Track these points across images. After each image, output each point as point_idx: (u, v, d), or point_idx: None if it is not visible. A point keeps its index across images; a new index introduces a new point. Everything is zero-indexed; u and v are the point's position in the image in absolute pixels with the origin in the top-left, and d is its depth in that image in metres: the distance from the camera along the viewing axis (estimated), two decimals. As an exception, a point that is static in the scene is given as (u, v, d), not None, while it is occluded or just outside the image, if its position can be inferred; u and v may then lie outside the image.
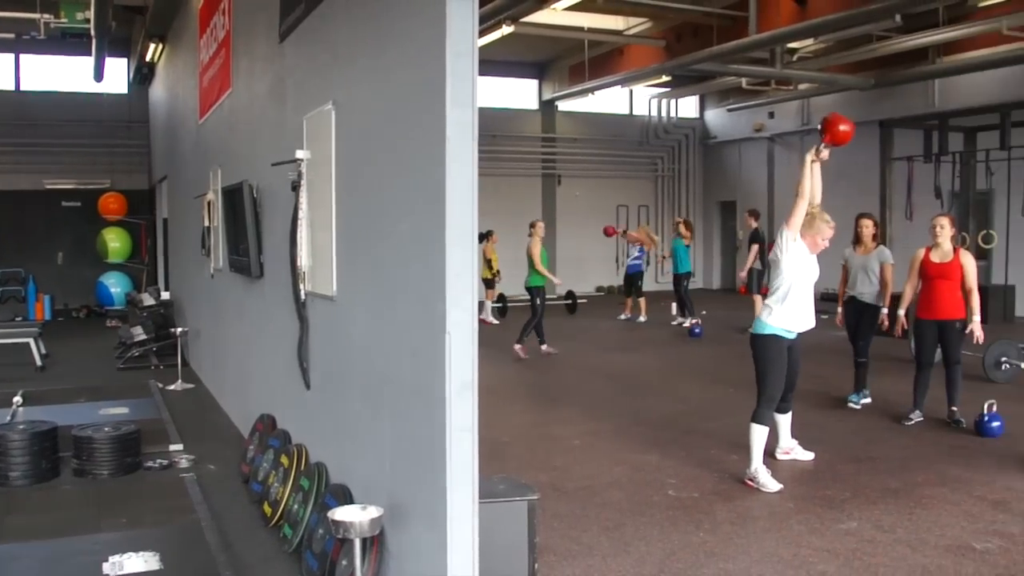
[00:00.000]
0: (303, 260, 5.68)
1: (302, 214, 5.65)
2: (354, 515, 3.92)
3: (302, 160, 5.59)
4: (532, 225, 13.50)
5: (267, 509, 5.85)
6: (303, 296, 5.75)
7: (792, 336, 6.55)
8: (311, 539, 4.89)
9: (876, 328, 8.96)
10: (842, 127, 6.67)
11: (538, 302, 12.99)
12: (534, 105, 24.07)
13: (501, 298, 18.14)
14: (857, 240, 9.14)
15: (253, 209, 7.11)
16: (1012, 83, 16.91)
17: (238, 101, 8.23)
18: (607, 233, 19.06)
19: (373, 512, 3.93)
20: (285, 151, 5.86)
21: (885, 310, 8.80)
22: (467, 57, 3.39)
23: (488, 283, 17.67)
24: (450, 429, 3.49)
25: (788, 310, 6.43)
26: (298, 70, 6.02)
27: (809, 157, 6.64)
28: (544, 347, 13.16)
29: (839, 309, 9.23)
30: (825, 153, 6.64)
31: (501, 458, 7.07)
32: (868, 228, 9.09)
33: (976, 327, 8.05)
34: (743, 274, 15.02)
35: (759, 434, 6.44)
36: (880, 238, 9.63)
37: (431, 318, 3.57)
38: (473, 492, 3.56)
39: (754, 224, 15.53)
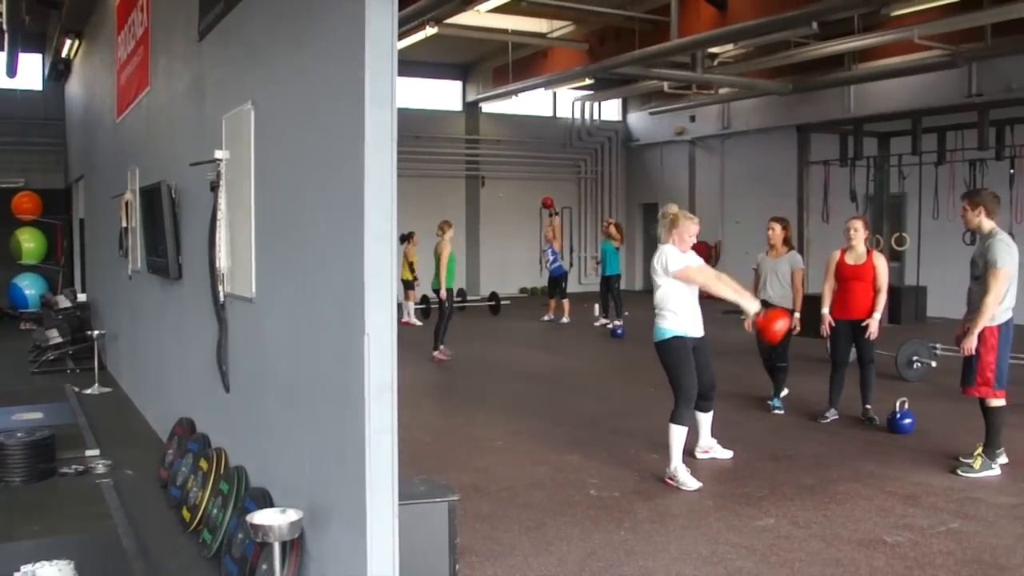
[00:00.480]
0: (222, 261, 5.61)
1: (221, 215, 5.58)
2: (273, 519, 3.89)
3: (221, 160, 5.51)
4: (443, 226, 13.28)
5: (186, 514, 5.77)
6: (222, 298, 5.67)
7: (695, 336, 6.68)
8: (231, 544, 4.84)
9: (792, 331, 8.99)
10: (777, 326, 7.08)
11: (447, 304, 12.93)
12: (458, 107, 24.09)
13: (424, 299, 18.09)
14: (768, 243, 9.14)
15: (171, 210, 7.01)
16: (923, 90, 17.40)
17: (156, 100, 8.10)
18: (545, 204, 19.05)
19: (292, 515, 3.91)
20: (204, 151, 5.78)
21: (797, 315, 8.79)
22: (386, 57, 3.38)
23: (409, 285, 17.62)
24: (369, 431, 3.47)
25: (680, 313, 6.58)
26: (217, 69, 5.94)
27: (748, 320, 6.97)
28: (436, 352, 12.97)
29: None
30: (748, 324, 7.08)
31: (423, 459, 7.06)
32: (777, 231, 9.05)
33: (873, 323, 8.24)
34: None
35: (678, 434, 6.52)
36: (797, 241, 9.78)
37: (350, 319, 3.56)
38: (393, 494, 3.56)
39: None
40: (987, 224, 6.84)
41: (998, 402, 6.79)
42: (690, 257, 6.72)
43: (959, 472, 6.71)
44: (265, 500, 4.73)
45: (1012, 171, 13.28)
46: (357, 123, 3.41)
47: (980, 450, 6.82)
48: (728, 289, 6.75)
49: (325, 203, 3.93)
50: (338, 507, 3.89)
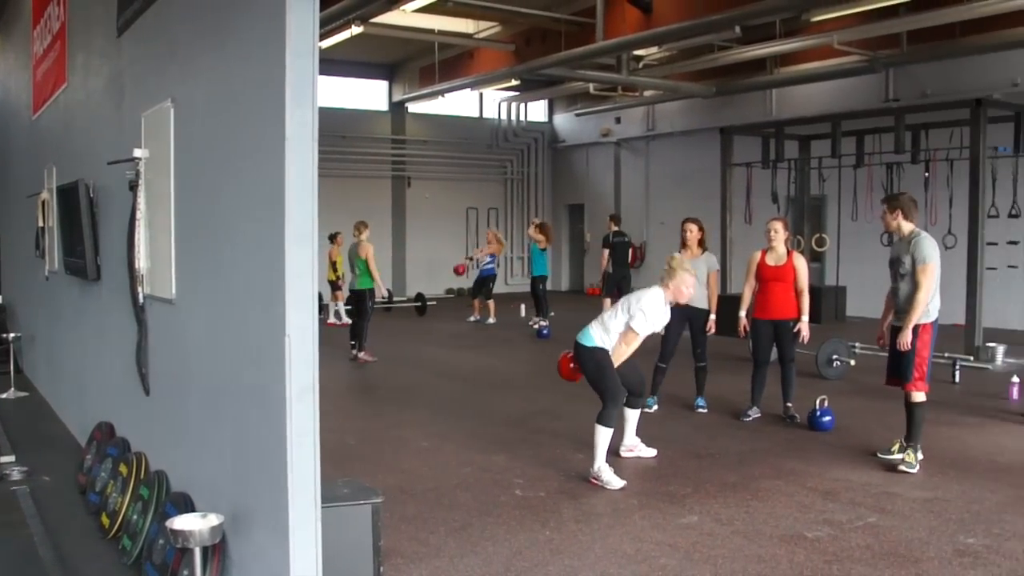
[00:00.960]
0: (141, 262, 5.51)
1: (140, 214, 5.48)
2: (194, 524, 3.84)
3: (140, 159, 5.41)
4: (361, 227, 13.20)
5: (105, 521, 5.65)
6: (141, 299, 5.57)
7: None
8: (151, 550, 4.75)
9: (707, 331, 9.02)
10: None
11: (369, 305, 12.91)
12: (384, 106, 23.97)
13: (349, 300, 17.99)
14: (683, 244, 9.15)
15: (89, 209, 6.86)
16: (842, 94, 17.77)
17: (74, 96, 7.93)
18: (458, 272, 19.03)
19: (213, 520, 3.86)
20: (123, 149, 5.66)
21: (713, 316, 8.90)
22: (308, 56, 3.35)
23: (335, 285, 17.50)
24: (291, 434, 3.44)
25: (615, 340, 6.66)
26: (136, 66, 5.83)
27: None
28: (361, 354, 12.97)
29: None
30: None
31: (349, 461, 7.02)
32: (693, 233, 9.07)
33: (803, 327, 8.41)
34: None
35: (604, 434, 6.57)
36: (720, 242, 9.83)
37: (271, 321, 3.52)
38: (315, 496, 3.52)
39: (614, 227, 15.92)
40: (907, 226, 7.03)
41: (923, 397, 6.97)
42: (665, 314, 6.86)
43: (900, 468, 6.85)
44: (186, 505, 4.65)
45: (927, 174, 13.59)
46: (278, 122, 3.37)
47: (904, 443, 7.00)
48: (626, 352, 6.77)
49: (246, 203, 3.88)
50: (260, 511, 3.84)
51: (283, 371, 3.42)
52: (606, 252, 15.44)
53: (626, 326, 6.60)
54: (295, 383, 3.43)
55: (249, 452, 3.95)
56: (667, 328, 8.45)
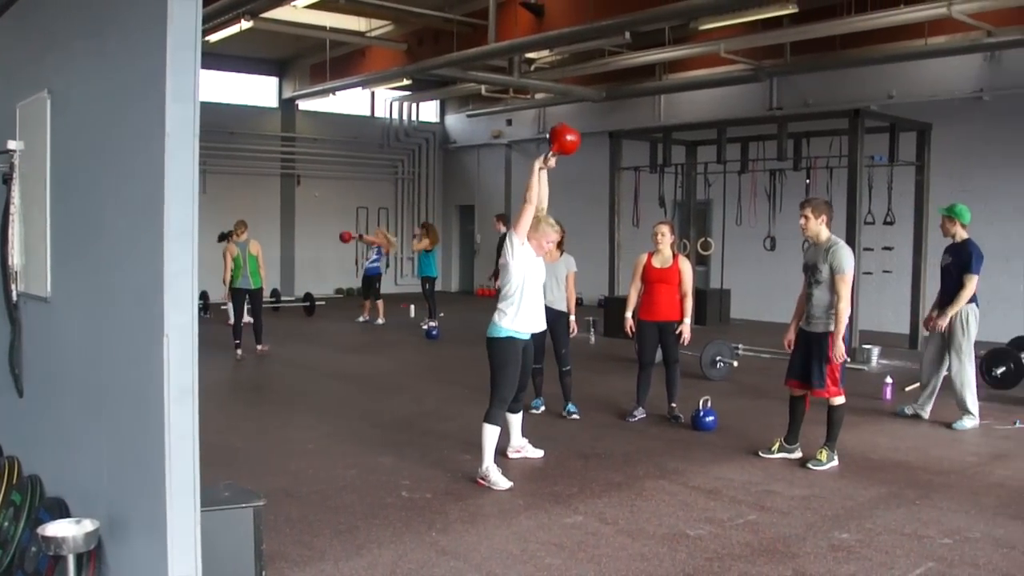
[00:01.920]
0: (15, 258, 5.32)
1: (14, 208, 5.28)
2: (67, 530, 3.72)
3: (15, 151, 5.22)
4: (242, 226, 13.37)
5: (-28, 527, 5.44)
6: (15, 297, 5.38)
7: (526, 337, 6.75)
8: (23, 558, 4.58)
9: (570, 333, 8.96)
10: (569, 137, 6.83)
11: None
12: (274, 103, 23.61)
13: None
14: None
15: (-41, 203, 6.60)
16: (728, 102, 18.22)
17: (-57, 85, 7.61)
18: (343, 239, 18.87)
19: (88, 526, 3.74)
20: (-4, 141, 5.47)
21: (573, 316, 8.91)
22: (189, 49, 3.27)
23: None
24: (169, 436, 3.35)
25: (520, 312, 6.61)
26: (11, 53, 5.62)
27: (537, 164, 6.83)
28: (240, 351, 13.08)
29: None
30: (552, 161, 6.84)
31: (234, 464, 6.89)
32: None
33: (685, 328, 8.56)
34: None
35: (491, 434, 6.58)
36: (608, 244, 9.86)
37: (149, 320, 3.42)
38: (195, 500, 3.44)
39: (503, 229, 15.92)
40: (824, 232, 7.16)
41: (841, 400, 7.17)
42: (539, 263, 6.84)
43: (809, 465, 7.04)
44: (61, 510, 4.50)
45: (808, 181, 13.97)
46: (157, 117, 3.28)
47: (824, 444, 7.21)
48: (536, 186, 6.79)
49: (124, 199, 3.77)
50: (138, 515, 3.74)
51: (161, 372, 3.34)
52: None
53: (521, 277, 6.61)
54: (174, 384, 3.35)
55: (126, 455, 3.84)
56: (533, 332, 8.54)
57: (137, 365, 3.62)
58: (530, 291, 6.65)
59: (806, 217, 7.15)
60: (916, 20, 13.14)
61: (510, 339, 6.63)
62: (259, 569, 4.12)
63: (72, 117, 4.48)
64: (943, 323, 8.48)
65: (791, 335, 7.44)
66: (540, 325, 6.85)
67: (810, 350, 7.11)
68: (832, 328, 6.98)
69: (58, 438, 4.83)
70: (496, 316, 6.68)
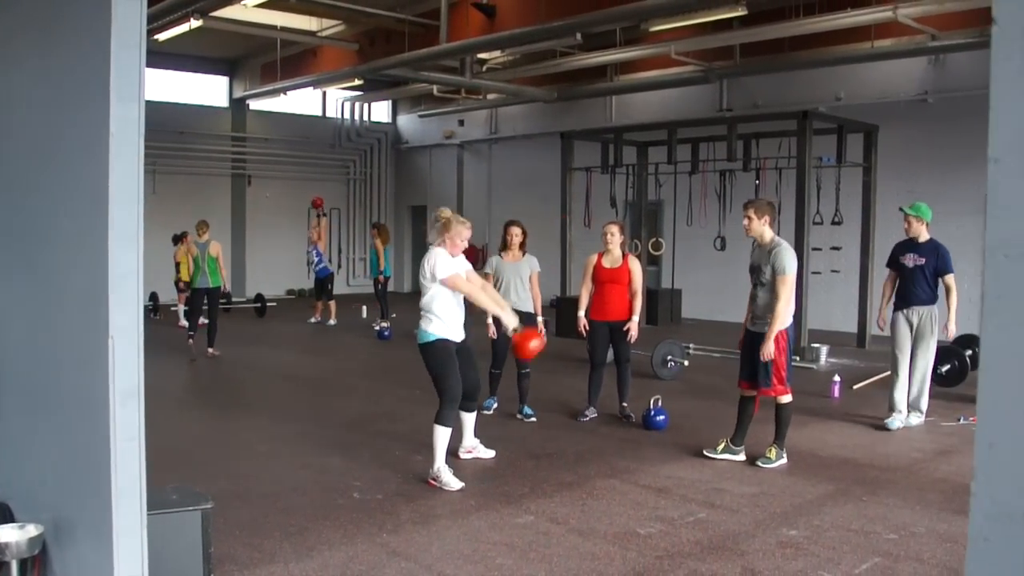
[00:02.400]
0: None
1: (-45, 210, 5.20)
2: (10, 535, 3.68)
3: (-45, 151, 5.14)
4: (205, 226, 13.48)
5: (-88, 532, 5.34)
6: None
7: (457, 340, 6.76)
8: (-36, 564, 4.52)
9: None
10: (532, 344, 7.17)
11: (218, 302, 13.38)
12: (224, 103, 23.38)
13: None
14: (505, 247, 8.93)
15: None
16: (679, 103, 18.37)
17: None
18: (315, 204, 18.66)
19: (32, 531, 3.70)
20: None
21: (540, 318, 8.79)
22: (134, 48, 3.24)
23: (180, 287, 16.98)
24: (115, 439, 3.32)
25: (445, 318, 6.64)
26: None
27: (509, 323, 6.92)
28: (191, 341, 13.24)
29: (489, 320, 8.33)
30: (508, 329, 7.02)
31: (183, 467, 6.81)
32: (518, 236, 8.85)
33: (633, 326, 8.58)
34: None
35: (442, 435, 6.56)
36: (560, 244, 9.88)
37: (94, 322, 3.39)
38: (141, 503, 3.41)
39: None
40: (768, 233, 7.22)
41: (788, 398, 7.21)
42: (460, 263, 6.76)
43: (758, 463, 7.09)
44: (5, 515, 4.43)
45: (757, 182, 14.12)
46: (102, 116, 3.25)
47: (773, 442, 7.26)
48: (491, 302, 6.94)
49: (69, 200, 3.73)
50: (84, 519, 3.70)
51: (106, 374, 3.30)
52: None
53: (440, 284, 6.59)
54: (119, 386, 3.32)
55: (72, 459, 3.80)
56: (497, 335, 8.51)
57: (82, 368, 3.59)
58: (447, 298, 6.69)
59: (749, 218, 7.21)
60: (863, 23, 13.35)
61: (441, 340, 6.64)
62: (207, 572, 4.10)
63: (14, 115, 4.42)
64: (954, 330, 8.51)
65: (743, 338, 7.51)
66: (461, 319, 6.86)
67: (756, 350, 7.16)
68: (781, 327, 7.06)
69: (2, 442, 4.76)
70: (422, 323, 6.67)
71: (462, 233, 6.73)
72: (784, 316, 7.01)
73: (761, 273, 7.13)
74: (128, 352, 3.33)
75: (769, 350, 6.98)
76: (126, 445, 3.35)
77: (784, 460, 7.22)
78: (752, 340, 7.21)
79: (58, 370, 3.92)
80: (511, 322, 6.89)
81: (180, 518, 4.02)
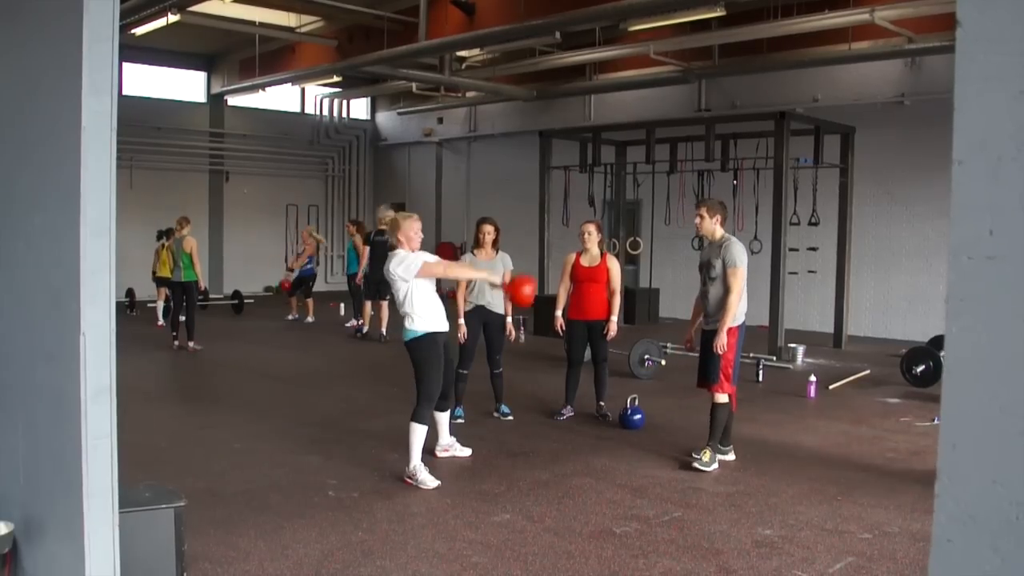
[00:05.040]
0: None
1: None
2: (-21, 532, 3.64)
3: (-73, 145, 5.09)
4: (185, 222, 13.54)
5: None
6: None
7: (443, 330, 6.75)
8: (-68, 561, 4.48)
9: (507, 335, 8.72)
10: (525, 289, 7.08)
11: (195, 296, 13.38)
12: (202, 98, 23.27)
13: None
14: (478, 244, 8.67)
15: None
16: (657, 103, 18.40)
17: None
18: (283, 287, 18.61)
19: (1, 528, 3.68)
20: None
21: (510, 319, 8.68)
22: (107, 42, 3.21)
23: (162, 283, 16.86)
24: (86, 436, 3.30)
25: (427, 311, 6.63)
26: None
27: (495, 279, 7.11)
28: (178, 343, 13.39)
29: (460, 321, 8.37)
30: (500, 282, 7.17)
31: (158, 465, 6.78)
32: (490, 234, 8.60)
33: (612, 325, 8.60)
34: None
35: (419, 433, 6.56)
36: (538, 243, 9.86)
37: (65, 318, 3.36)
38: (113, 501, 3.39)
39: (380, 225, 16.04)
40: (719, 231, 7.26)
41: (725, 399, 7.16)
42: (422, 254, 6.78)
43: (694, 465, 7.03)
44: (-27, 513, 4.41)
45: (735, 182, 14.16)
46: (74, 110, 3.23)
47: (707, 443, 7.19)
48: (467, 271, 7.12)
49: (40, 195, 3.70)
50: (54, 517, 3.67)
51: (78, 370, 3.28)
52: (367, 251, 15.01)
53: (417, 278, 6.59)
54: (91, 383, 3.29)
55: (42, 456, 3.77)
56: (468, 335, 8.44)
57: (52, 364, 3.56)
58: (426, 288, 6.69)
59: (701, 216, 7.27)
60: (840, 25, 13.43)
61: (429, 335, 6.62)
62: (180, 570, 4.08)
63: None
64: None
65: (690, 336, 7.60)
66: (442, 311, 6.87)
67: (708, 348, 7.17)
68: (732, 324, 7.04)
69: (-29, 439, 4.72)
70: (406, 322, 6.66)
71: (413, 227, 6.70)
72: (735, 309, 7.01)
73: (711, 268, 7.16)
74: (100, 348, 3.31)
75: (722, 342, 6.99)
76: (97, 442, 3.33)
77: (716, 465, 7.08)
78: (706, 340, 7.21)
79: (29, 367, 3.89)
80: (495, 278, 7.08)
81: (152, 516, 4.00)
